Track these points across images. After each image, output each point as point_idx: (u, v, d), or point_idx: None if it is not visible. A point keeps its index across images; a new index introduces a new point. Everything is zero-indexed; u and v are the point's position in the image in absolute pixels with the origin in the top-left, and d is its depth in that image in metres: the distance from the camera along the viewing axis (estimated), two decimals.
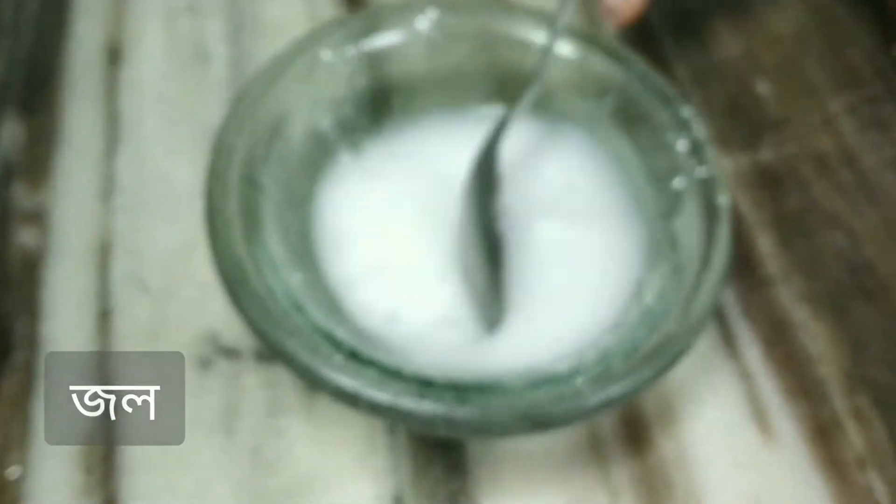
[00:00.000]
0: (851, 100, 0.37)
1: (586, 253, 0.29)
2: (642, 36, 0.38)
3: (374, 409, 0.23)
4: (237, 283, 0.24)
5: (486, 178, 0.28)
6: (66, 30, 0.38)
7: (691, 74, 0.38)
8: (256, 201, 0.27)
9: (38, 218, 0.33)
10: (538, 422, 0.24)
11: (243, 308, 0.24)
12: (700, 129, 0.28)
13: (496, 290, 0.27)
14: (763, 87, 0.38)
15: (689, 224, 0.27)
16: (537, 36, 0.30)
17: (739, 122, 0.37)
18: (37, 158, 0.34)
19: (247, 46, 0.38)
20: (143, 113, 0.36)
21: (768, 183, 0.35)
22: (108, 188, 0.34)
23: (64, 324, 0.31)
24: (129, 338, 0.31)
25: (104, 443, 0.28)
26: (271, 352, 0.24)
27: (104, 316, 0.31)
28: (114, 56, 0.37)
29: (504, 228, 0.28)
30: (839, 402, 0.31)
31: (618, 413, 0.30)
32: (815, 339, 0.32)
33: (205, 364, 0.30)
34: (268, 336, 0.24)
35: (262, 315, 0.24)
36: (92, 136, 0.35)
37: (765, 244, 0.34)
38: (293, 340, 0.24)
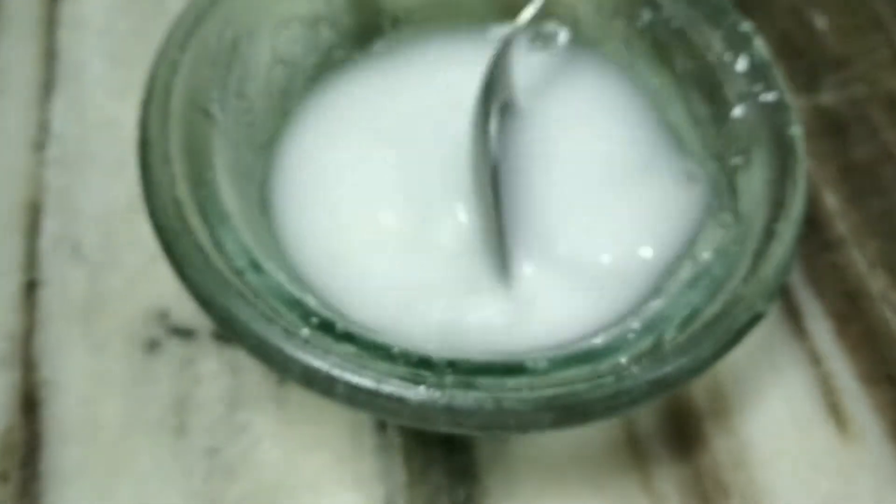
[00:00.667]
0: None
1: (619, 203, 0.23)
2: None
3: (352, 397, 0.18)
4: (175, 233, 0.19)
5: (490, 105, 0.22)
6: None
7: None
8: (206, 135, 0.21)
9: None
10: (568, 412, 0.18)
11: (182, 265, 0.18)
12: (763, 47, 0.23)
13: (497, 235, 0.22)
14: (820, 21, 0.32)
15: (753, 162, 0.22)
16: None
17: (794, 62, 0.31)
18: None
19: None
20: (86, 51, 0.30)
21: (832, 131, 0.30)
22: (40, 137, 0.28)
23: None
24: (61, 314, 0.25)
25: (23, 445, 0.23)
26: (219, 324, 0.19)
27: (30, 288, 0.25)
28: None
29: (511, 166, 0.23)
30: None
31: (660, 405, 0.24)
32: None
33: (152, 346, 0.25)
34: (213, 302, 0.18)
35: (206, 274, 0.18)
36: (24, 77, 0.29)
37: (831, 201, 0.28)
38: (247, 307, 0.18)
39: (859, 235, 0.28)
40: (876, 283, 0.27)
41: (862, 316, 0.26)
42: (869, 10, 0.33)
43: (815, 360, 0.25)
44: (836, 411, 0.25)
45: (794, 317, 0.26)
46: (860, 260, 0.27)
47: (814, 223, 0.28)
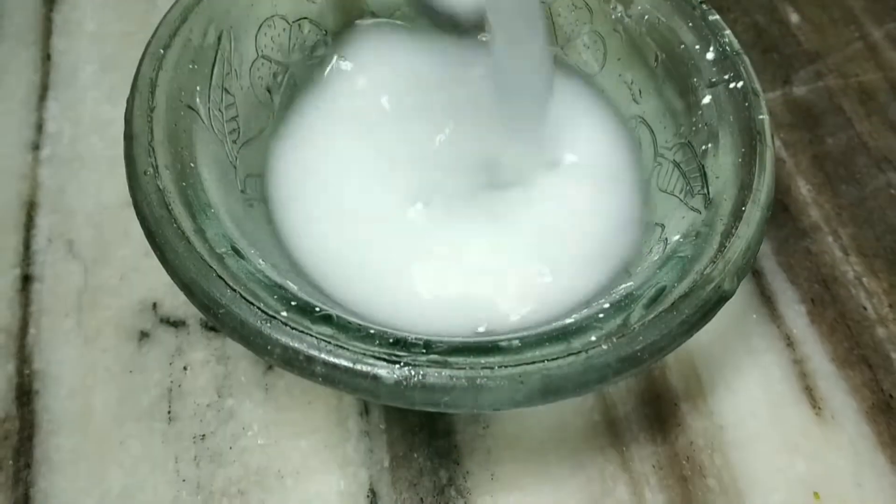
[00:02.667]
0: None
1: (591, 189, 0.24)
2: None
3: (330, 376, 0.18)
4: (158, 221, 0.19)
5: None
6: None
7: (711, 2, 0.33)
8: (190, 129, 0.22)
9: None
10: (539, 389, 0.18)
11: (165, 251, 0.19)
12: (731, 36, 0.24)
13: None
14: (794, 16, 0.33)
15: (721, 148, 0.22)
16: None
17: (769, 55, 0.32)
18: None
19: None
20: (80, 55, 0.31)
21: (806, 121, 0.30)
22: (35, 138, 0.29)
23: None
24: (54, 308, 0.26)
25: (17, 433, 0.24)
26: (201, 308, 0.19)
27: (25, 282, 0.26)
28: None
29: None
30: None
31: (638, 388, 0.25)
32: (871, 297, 0.27)
33: (142, 337, 0.25)
34: (195, 286, 0.19)
35: (188, 260, 0.19)
36: (20, 81, 0.30)
37: (805, 189, 0.29)
38: (228, 291, 0.19)
39: (832, 223, 0.28)
40: (849, 268, 0.27)
41: (835, 301, 0.27)
42: (841, 5, 0.34)
43: (790, 343, 0.26)
44: (810, 393, 0.25)
45: (768, 302, 0.27)
46: (834, 246, 0.28)
47: (788, 211, 0.28)
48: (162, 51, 0.22)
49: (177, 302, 0.26)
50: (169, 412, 0.24)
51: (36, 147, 0.29)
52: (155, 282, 0.26)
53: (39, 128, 0.29)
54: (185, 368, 0.25)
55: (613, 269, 0.23)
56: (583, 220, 0.24)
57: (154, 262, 0.19)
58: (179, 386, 0.25)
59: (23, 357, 0.25)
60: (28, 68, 0.30)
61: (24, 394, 0.24)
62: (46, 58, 0.31)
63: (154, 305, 0.26)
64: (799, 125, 0.30)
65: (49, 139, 0.29)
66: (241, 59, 0.24)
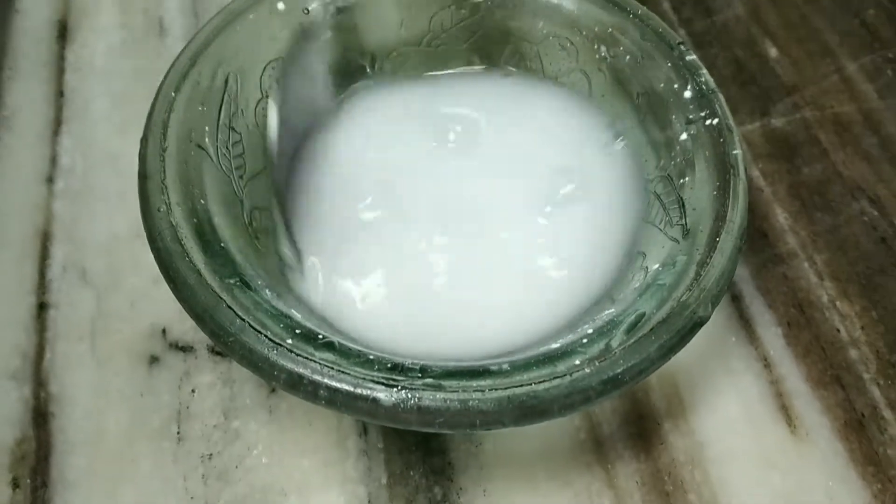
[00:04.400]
0: (875, 61, 0.34)
1: (575, 218, 0.25)
2: None
3: (333, 400, 0.20)
4: (171, 255, 0.21)
5: None
6: (11, 2, 0.35)
7: (693, 38, 0.35)
8: (199, 167, 0.23)
9: None
10: (527, 410, 0.20)
11: (178, 284, 0.20)
12: (707, 76, 0.25)
13: None
14: (772, 50, 0.34)
15: (698, 181, 0.24)
16: None
17: (748, 88, 0.33)
18: None
19: (207, 18, 0.34)
20: (91, 91, 0.32)
21: (784, 152, 0.32)
22: (50, 171, 0.30)
23: None
24: (69, 334, 0.27)
25: (33, 454, 0.25)
26: (212, 336, 0.20)
27: (41, 310, 0.27)
28: (62, 31, 0.34)
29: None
30: (874, 390, 0.27)
31: (622, 408, 0.26)
32: (844, 320, 0.28)
33: (152, 362, 0.27)
34: (206, 316, 0.20)
35: (200, 292, 0.20)
36: (34, 116, 0.32)
37: (782, 217, 0.30)
38: (237, 321, 0.20)
39: (808, 249, 0.30)
40: (824, 293, 0.29)
41: (811, 323, 0.28)
42: (818, 39, 0.35)
43: (767, 364, 0.27)
44: (786, 412, 0.26)
45: (746, 324, 0.28)
46: (809, 272, 0.29)
47: (766, 237, 0.30)
48: (173, 94, 0.23)
49: (184, 327, 0.27)
50: (178, 432, 0.25)
51: (50, 180, 0.30)
52: (164, 308, 0.27)
53: (54, 161, 0.31)
54: (192, 391, 0.26)
55: (597, 294, 0.24)
56: (575, 248, 0.26)
57: (163, 289, 0.21)
58: (188, 408, 0.26)
59: (39, 380, 0.26)
60: (43, 104, 0.32)
61: (41, 416, 0.26)
62: (60, 94, 0.32)
63: (163, 331, 0.27)
64: (777, 155, 0.32)
65: (63, 172, 0.30)
66: (246, 99, 0.25)
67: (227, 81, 0.25)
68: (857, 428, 0.26)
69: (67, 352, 0.27)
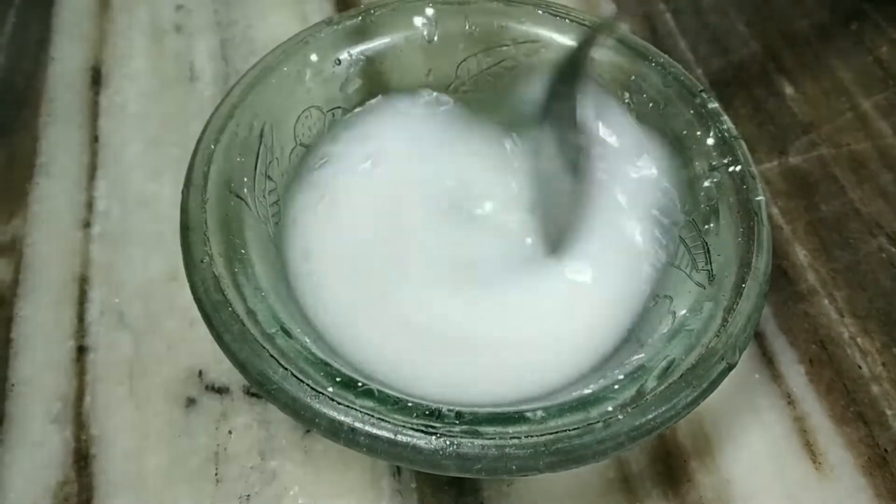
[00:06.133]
0: (889, 98, 0.35)
1: (604, 264, 0.26)
2: (654, 37, 0.36)
3: (373, 447, 0.20)
4: (214, 306, 0.21)
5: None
6: (46, 50, 0.36)
7: (709, 77, 0.35)
8: (239, 216, 0.24)
9: (12, 248, 0.30)
10: (562, 456, 0.20)
11: (221, 333, 0.21)
12: (729, 122, 0.26)
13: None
14: (789, 89, 0.35)
15: (722, 227, 0.24)
16: (544, 31, 0.28)
17: (766, 127, 0.34)
18: (11, 185, 0.32)
19: (237, 64, 0.35)
20: (125, 136, 0.33)
21: (801, 189, 0.33)
22: (86, 216, 0.31)
23: (37, 361, 0.28)
24: (108, 376, 0.28)
25: (76, 496, 0.25)
26: (253, 384, 0.21)
27: (80, 353, 0.28)
28: (95, 77, 0.35)
29: None
30: None
31: (650, 447, 0.27)
32: (865, 356, 0.29)
33: (190, 403, 0.27)
34: (249, 365, 0.21)
35: (242, 341, 0.21)
36: (70, 162, 0.33)
37: (801, 255, 0.31)
38: (279, 369, 0.21)
39: (828, 286, 0.30)
40: (845, 330, 0.29)
41: (832, 360, 0.29)
42: (832, 77, 0.36)
43: (791, 401, 0.28)
44: (810, 448, 0.27)
45: (769, 362, 0.29)
46: (830, 309, 0.30)
47: (786, 275, 0.30)
48: (213, 146, 0.24)
49: (221, 369, 0.28)
50: (216, 474, 0.26)
51: (87, 225, 0.31)
52: (200, 350, 0.28)
53: (90, 206, 0.31)
54: (229, 432, 0.27)
55: (621, 337, 0.25)
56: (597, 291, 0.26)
57: (198, 331, 0.22)
58: (225, 449, 0.26)
59: (80, 423, 0.27)
60: (78, 149, 0.33)
61: (82, 458, 0.26)
62: (94, 139, 0.33)
63: (200, 373, 0.28)
64: (795, 193, 0.32)
65: (99, 217, 0.31)
66: (281, 148, 0.26)
67: (262, 132, 0.26)
68: (880, 463, 0.27)
69: (107, 394, 0.27)
